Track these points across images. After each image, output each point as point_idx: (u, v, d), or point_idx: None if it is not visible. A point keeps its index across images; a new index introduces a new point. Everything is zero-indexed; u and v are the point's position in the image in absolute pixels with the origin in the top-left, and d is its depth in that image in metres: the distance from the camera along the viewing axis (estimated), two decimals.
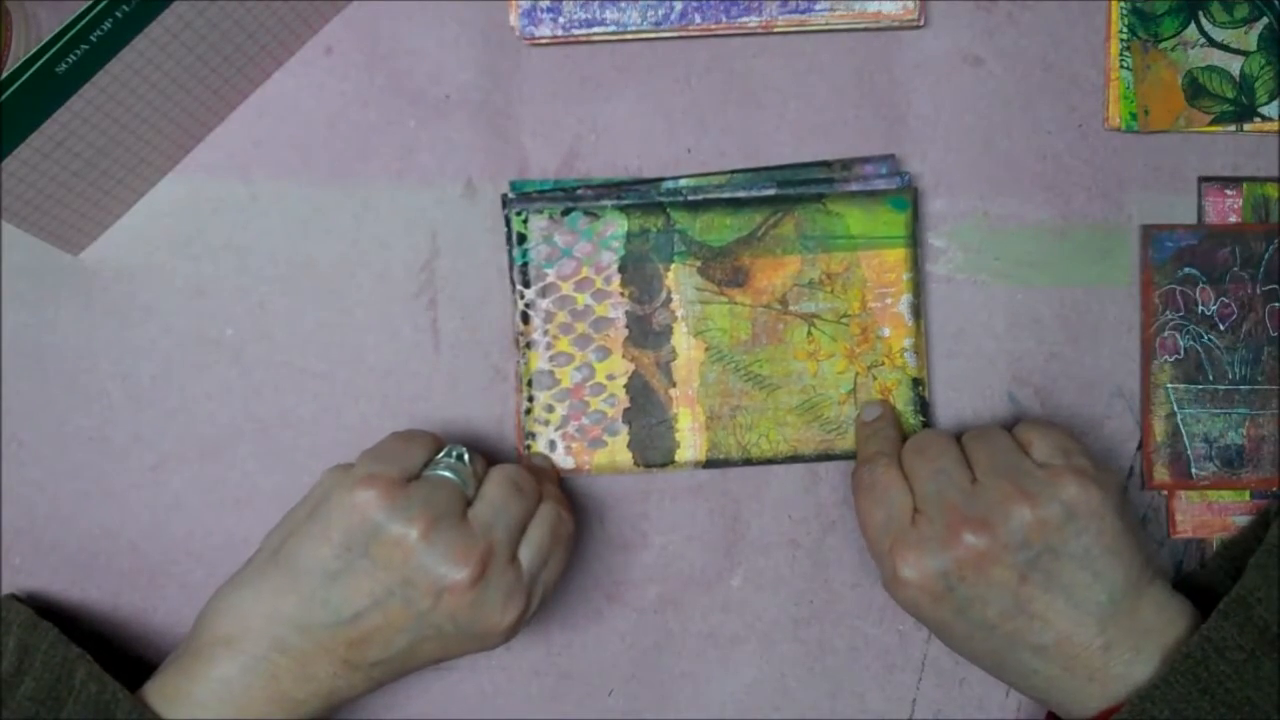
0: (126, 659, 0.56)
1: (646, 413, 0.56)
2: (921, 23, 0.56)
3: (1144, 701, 0.46)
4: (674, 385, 0.56)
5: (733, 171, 0.56)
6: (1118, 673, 0.47)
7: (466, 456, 0.50)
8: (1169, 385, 0.57)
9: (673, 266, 0.55)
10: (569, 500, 0.53)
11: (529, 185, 0.56)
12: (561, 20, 0.55)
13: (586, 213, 0.55)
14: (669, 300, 0.55)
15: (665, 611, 0.57)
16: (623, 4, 0.55)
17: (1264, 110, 0.56)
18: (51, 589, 0.57)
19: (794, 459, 0.56)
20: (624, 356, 0.56)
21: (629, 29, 0.55)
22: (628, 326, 0.56)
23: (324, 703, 0.48)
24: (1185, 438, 0.57)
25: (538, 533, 0.50)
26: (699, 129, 0.57)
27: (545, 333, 0.55)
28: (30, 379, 0.57)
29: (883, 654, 0.57)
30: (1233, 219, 0.57)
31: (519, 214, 0.55)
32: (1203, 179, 0.57)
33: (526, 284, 0.55)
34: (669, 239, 0.55)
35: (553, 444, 0.56)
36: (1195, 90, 0.56)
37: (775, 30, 0.56)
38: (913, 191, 0.56)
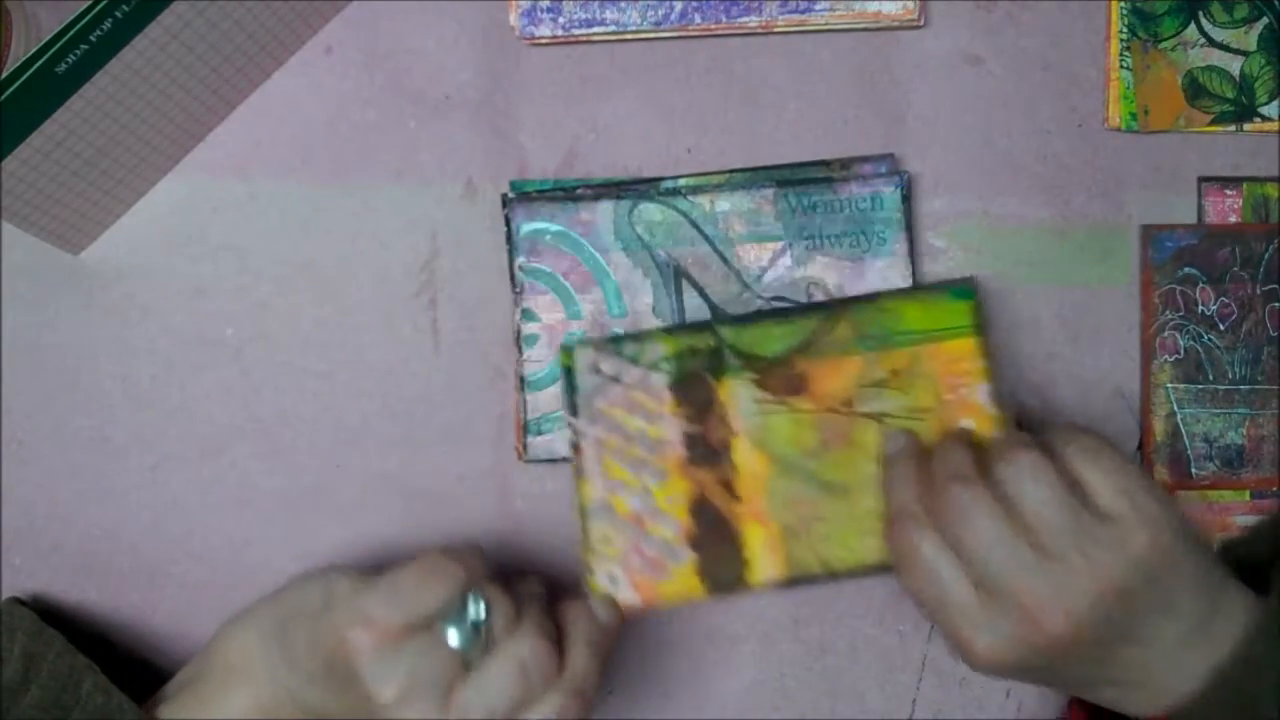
0: (127, 659, 0.56)
1: (713, 534, 0.52)
2: (921, 23, 0.56)
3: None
4: (739, 501, 0.52)
5: (731, 171, 0.56)
6: (1184, 681, 0.46)
7: (484, 617, 0.46)
8: (1169, 385, 0.57)
9: (725, 381, 0.53)
10: (601, 678, 0.48)
11: (529, 185, 0.56)
12: (561, 20, 0.55)
13: (632, 339, 0.53)
14: (726, 415, 0.53)
15: (665, 611, 0.57)
16: (623, 4, 0.55)
17: (1264, 110, 0.56)
18: (51, 589, 0.57)
19: (884, 569, 0.51)
20: (683, 477, 0.53)
21: (629, 29, 0.55)
22: (685, 446, 0.53)
23: None
24: (1185, 438, 0.57)
25: (555, 705, 0.45)
26: (699, 129, 0.57)
27: (600, 462, 0.53)
28: (30, 379, 0.57)
29: (883, 654, 0.57)
30: (1233, 219, 0.57)
31: (566, 350, 0.53)
32: (1203, 179, 0.57)
33: (575, 413, 0.53)
34: (719, 355, 0.53)
35: (614, 578, 0.52)
36: (1195, 90, 0.56)
37: (775, 30, 0.56)
38: (973, 281, 0.54)
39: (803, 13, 0.55)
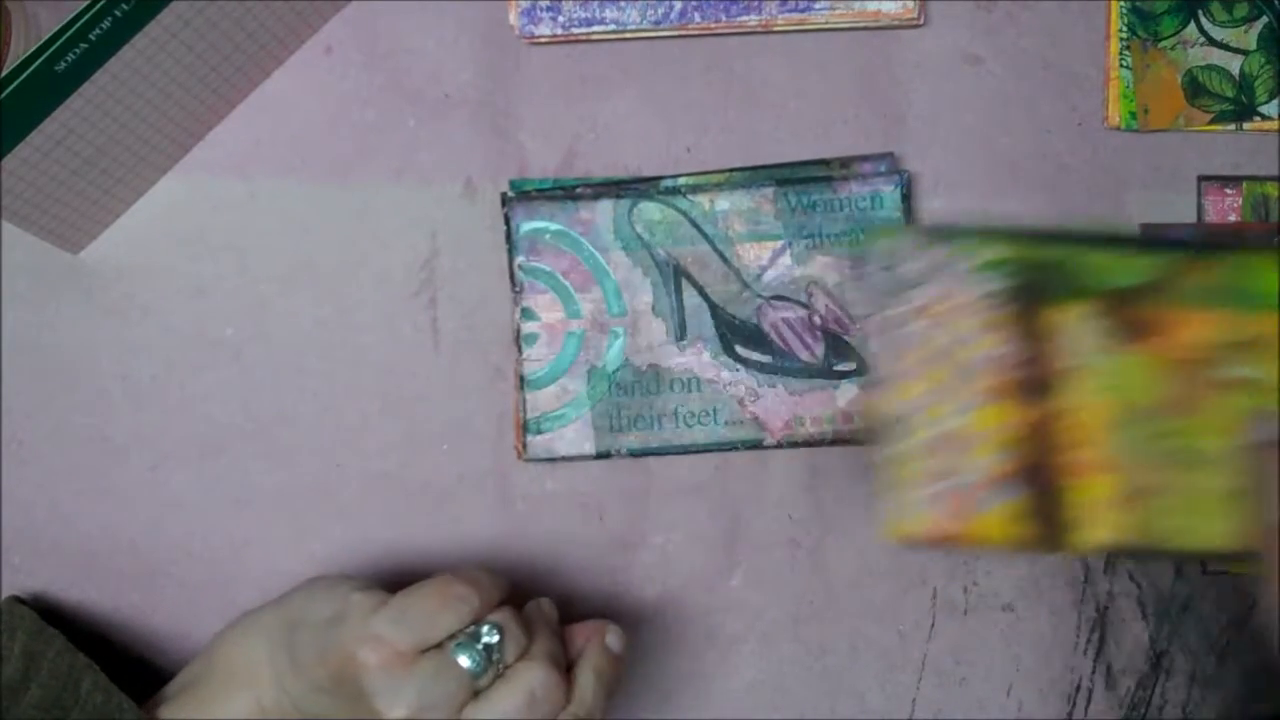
0: (127, 659, 0.56)
1: (1034, 479, 0.46)
2: (921, 22, 0.56)
3: None
4: (1070, 447, 0.45)
5: (731, 170, 0.56)
6: None
7: (497, 641, 0.45)
8: None
9: (1066, 305, 0.46)
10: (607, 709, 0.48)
11: (529, 184, 0.56)
12: (561, 19, 0.55)
13: (963, 233, 0.47)
14: (1061, 345, 0.46)
15: (665, 611, 0.57)
16: (622, 3, 0.55)
17: (1264, 109, 0.56)
18: (51, 589, 0.57)
19: (1228, 557, 0.47)
20: (1002, 407, 0.46)
21: (629, 28, 0.56)
22: (1007, 371, 0.46)
23: None
24: None
25: None
26: (699, 128, 0.57)
27: (902, 370, 0.46)
28: (30, 379, 0.57)
29: (883, 654, 0.57)
30: (1232, 218, 0.57)
31: (880, 233, 0.47)
32: (1202, 178, 0.57)
33: (882, 311, 0.46)
34: (1060, 274, 0.46)
35: (911, 503, 0.46)
36: (1195, 89, 0.56)
37: (775, 29, 0.56)
38: None
39: (802, 12, 0.55)
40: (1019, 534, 0.46)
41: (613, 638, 0.49)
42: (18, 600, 0.52)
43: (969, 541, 0.46)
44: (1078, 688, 0.57)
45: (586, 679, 0.47)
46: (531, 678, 0.45)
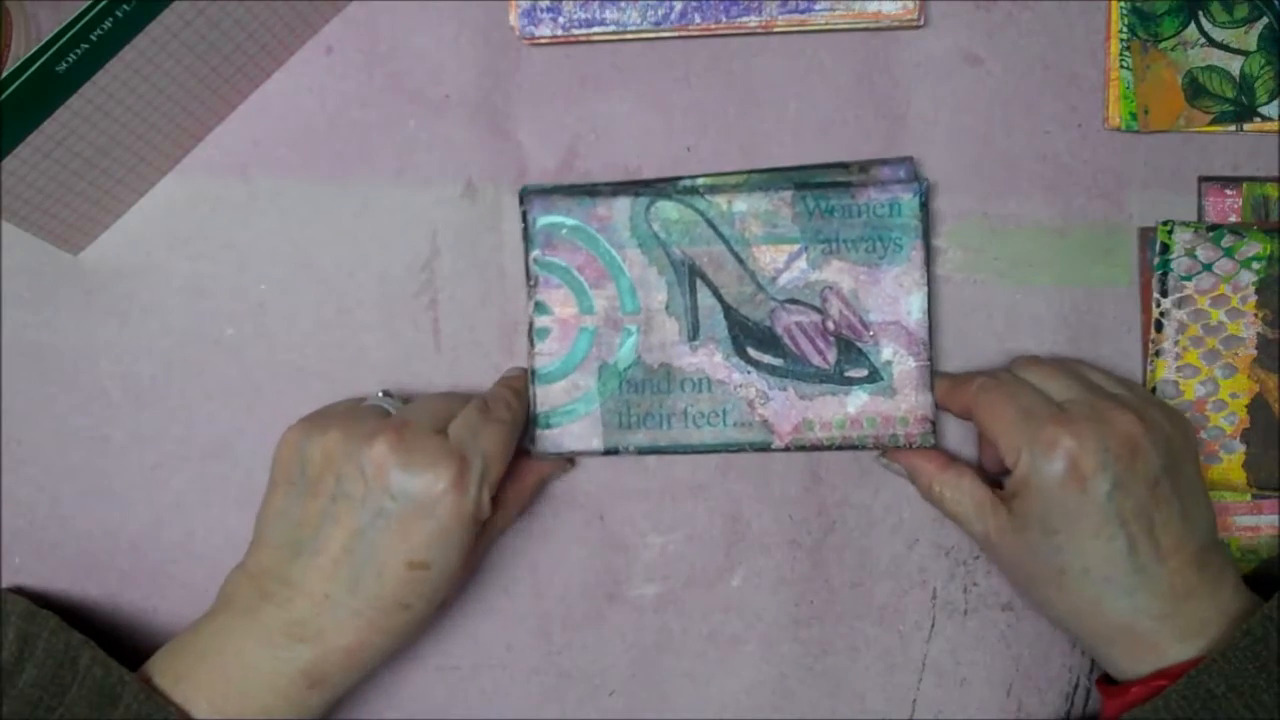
0: (127, 659, 0.56)
1: (1264, 435, 0.56)
2: (921, 23, 0.56)
3: (1201, 675, 0.46)
4: None
5: (750, 171, 0.56)
6: (1176, 639, 0.48)
7: (391, 393, 0.54)
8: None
9: None
10: (519, 401, 0.54)
11: (543, 187, 0.56)
12: (561, 20, 0.55)
13: (1231, 230, 0.55)
14: None
15: (665, 611, 0.57)
16: (623, 4, 0.55)
17: (1264, 110, 0.56)
18: (52, 588, 0.57)
19: None
20: (1250, 377, 0.56)
21: (629, 29, 0.55)
22: (1257, 348, 0.56)
23: (314, 651, 0.48)
24: None
25: (465, 413, 0.51)
26: (699, 129, 0.57)
27: (1176, 343, 0.56)
28: (30, 379, 0.57)
29: (883, 654, 0.57)
30: (1233, 219, 0.57)
31: (1165, 226, 0.55)
32: (1203, 179, 0.57)
33: (1165, 294, 0.56)
34: None
35: None
36: (1195, 90, 0.56)
37: (775, 30, 0.56)
38: None
39: (803, 13, 0.55)
40: (1243, 480, 0.56)
41: (510, 370, 0.57)
42: (9, 590, 0.53)
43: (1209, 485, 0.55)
44: (1076, 687, 0.57)
45: (493, 388, 0.55)
46: (435, 393, 0.54)
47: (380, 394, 0.54)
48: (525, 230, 0.56)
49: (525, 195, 0.56)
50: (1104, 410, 0.49)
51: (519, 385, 0.55)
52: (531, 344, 0.56)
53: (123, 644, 0.57)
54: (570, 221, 0.56)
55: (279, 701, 0.48)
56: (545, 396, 0.56)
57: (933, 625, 0.57)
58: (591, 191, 0.56)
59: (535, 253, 0.56)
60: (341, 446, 0.49)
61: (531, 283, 0.56)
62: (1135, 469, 0.48)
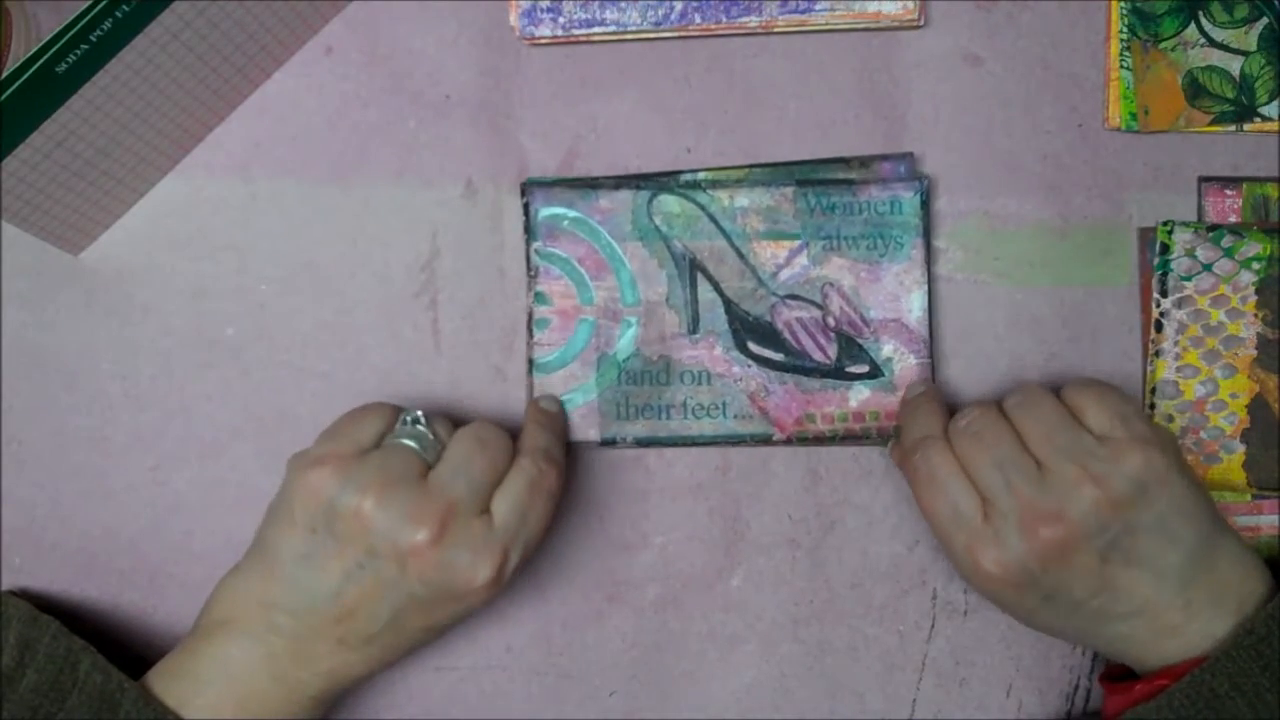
0: (127, 659, 0.56)
1: (1264, 436, 0.56)
2: (921, 23, 0.56)
3: (1204, 674, 0.46)
4: None
5: (751, 166, 0.56)
6: (1198, 628, 0.48)
7: (423, 420, 0.50)
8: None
9: None
10: (562, 454, 0.52)
11: (545, 181, 0.56)
12: (561, 20, 0.55)
13: (1230, 231, 0.55)
14: None
15: (665, 611, 0.57)
16: (623, 4, 0.55)
17: (1264, 110, 0.56)
18: (51, 589, 0.57)
19: None
20: (1250, 377, 0.56)
21: (629, 29, 0.55)
22: (1257, 348, 0.56)
23: (327, 681, 0.49)
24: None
25: (513, 486, 0.49)
26: (699, 129, 0.57)
27: (1176, 344, 0.55)
28: (30, 379, 0.57)
29: (883, 654, 0.57)
30: (1233, 219, 0.57)
31: (1165, 226, 0.55)
32: (1203, 179, 0.57)
33: (1164, 294, 0.56)
34: None
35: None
36: (1195, 90, 0.56)
37: (775, 30, 0.56)
38: None
39: (803, 13, 0.55)
40: (1243, 480, 0.55)
41: (546, 402, 0.55)
42: (11, 593, 0.52)
43: (1209, 486, 0.55)
44: (1076, 687, 0.57)
45: (530, 429, 0.52)
46: (470, 429, 0.50)
47: (410, 420, 0.50)
48: (527, 222, 0.56)
49: (527, 187, 0.56)
50: (1030, 519, 0.47)
51: (559, 428, 0.54)
52: (531, 334, 0.56)
53: (122, 644, 0.57)
54: (572, 214, 0.56)
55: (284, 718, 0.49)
56: (543, 386, 0.56)
57: (933, 625, 0.57)
58: (594, 185, 0.56)
59: (536, 244, 0.56)
60: (379, 523, 0.46)
61: (532, 273, 0.56)
62: (1070, 566, 0.47)
